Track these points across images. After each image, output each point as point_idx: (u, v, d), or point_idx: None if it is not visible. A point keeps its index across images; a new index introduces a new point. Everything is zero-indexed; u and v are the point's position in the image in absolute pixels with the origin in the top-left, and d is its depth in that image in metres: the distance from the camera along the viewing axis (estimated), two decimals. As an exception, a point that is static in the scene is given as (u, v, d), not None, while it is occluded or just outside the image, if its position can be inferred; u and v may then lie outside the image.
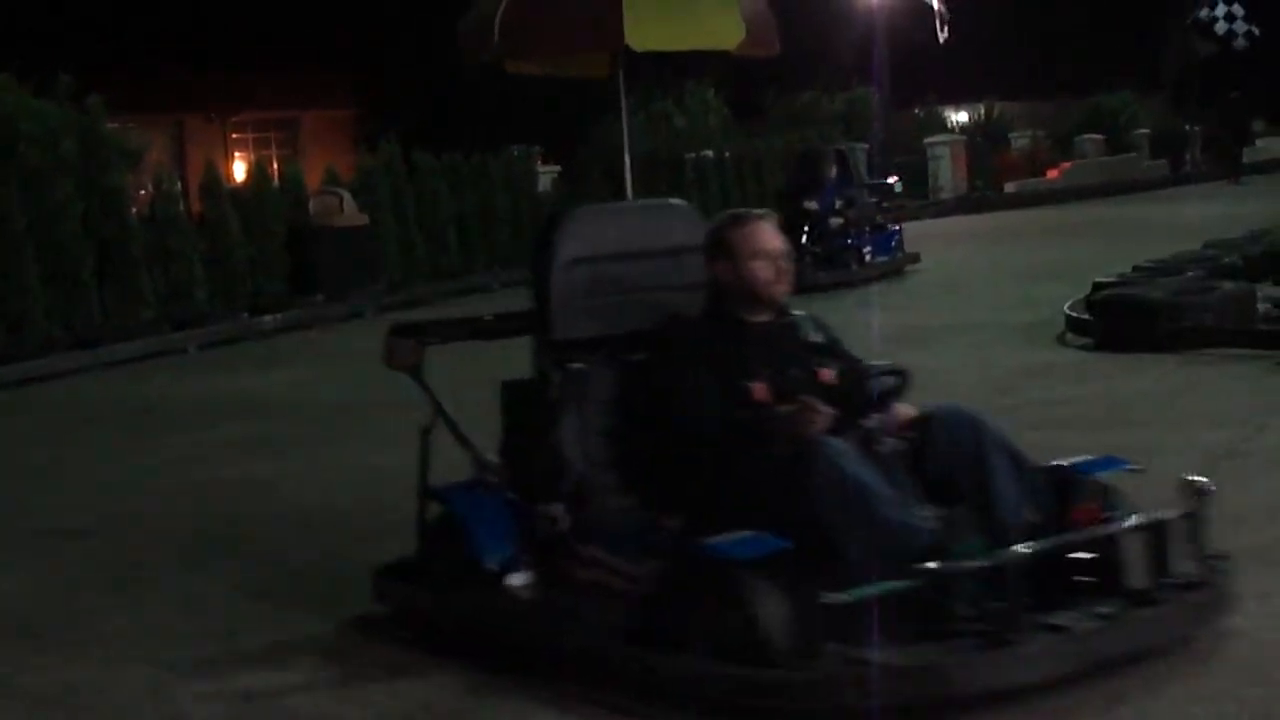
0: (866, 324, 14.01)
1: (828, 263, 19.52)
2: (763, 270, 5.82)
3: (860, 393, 5.74)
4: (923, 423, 5.64)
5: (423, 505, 6.34)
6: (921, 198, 34.47)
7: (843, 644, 4.78)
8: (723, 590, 4.92)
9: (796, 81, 39.44)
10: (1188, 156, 42.87)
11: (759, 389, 5.62)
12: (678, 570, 5.16)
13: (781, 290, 5.90)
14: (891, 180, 23.62)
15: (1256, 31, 43.77)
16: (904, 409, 5.72)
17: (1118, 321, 12.69)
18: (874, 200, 21.60)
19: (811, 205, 20.01)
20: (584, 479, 5.79)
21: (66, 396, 14.71)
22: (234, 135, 38.50)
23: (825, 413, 5.43)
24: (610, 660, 5.29)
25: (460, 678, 5.56)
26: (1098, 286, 13.97)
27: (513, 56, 7.30)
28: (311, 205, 21.03)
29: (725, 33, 7.13)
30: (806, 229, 19.50)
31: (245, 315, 19.10)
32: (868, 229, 20.47)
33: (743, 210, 6.14)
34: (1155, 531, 5.18)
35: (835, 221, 20.14)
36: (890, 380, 5.81)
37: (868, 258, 20.04)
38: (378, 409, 12.03)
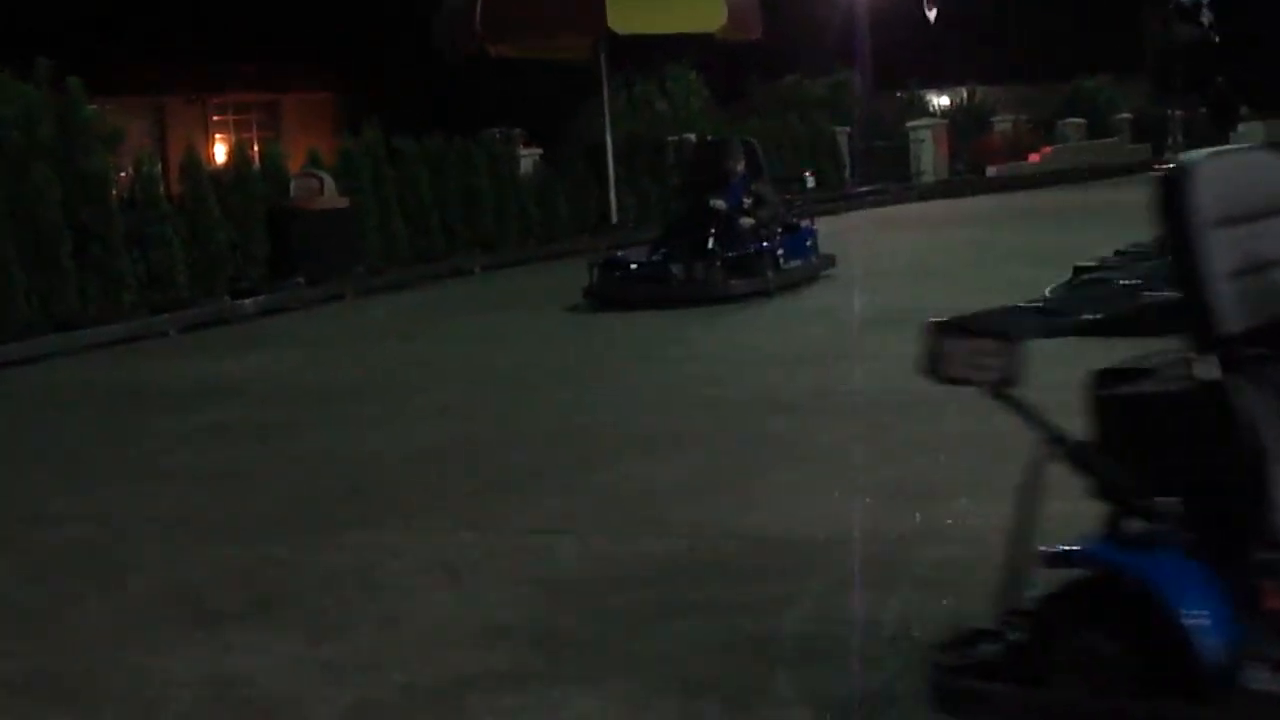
0: (829, 308, 14.06)
1: (740, 269, 17.24)
2: None
3: None
4: None
5: (1020, 571, 4.55)
6: (904, 181, 34.47)
7: None
8: None
9: (779, 66, 39.39)
10: (1169, 141, 42.92)
11: None
12: None
13: None
14: (807, 176, 21.29)
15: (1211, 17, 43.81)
16: None
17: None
18: (788, 197, 19.70)
19: (719, 204, 17.79)
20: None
21: (46, 380, 14.66)
22: (215, 117, 38.39)
23: None
24: None
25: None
26: (1079, 270, 13.98)
27: (494, 42, 7.29)
28: (292, 188, 20.96)
29: (707, 16, 7.12)
30: (714, 231, 17.47)
31: (226, 298, 19.04)
32: (780, 230, 18.27)
33: None
34: None
35: (745, 222, 17.85)
36: None
37: (782, 262, 17.80)
38: (359, 394, 12.05)
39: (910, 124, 36.76)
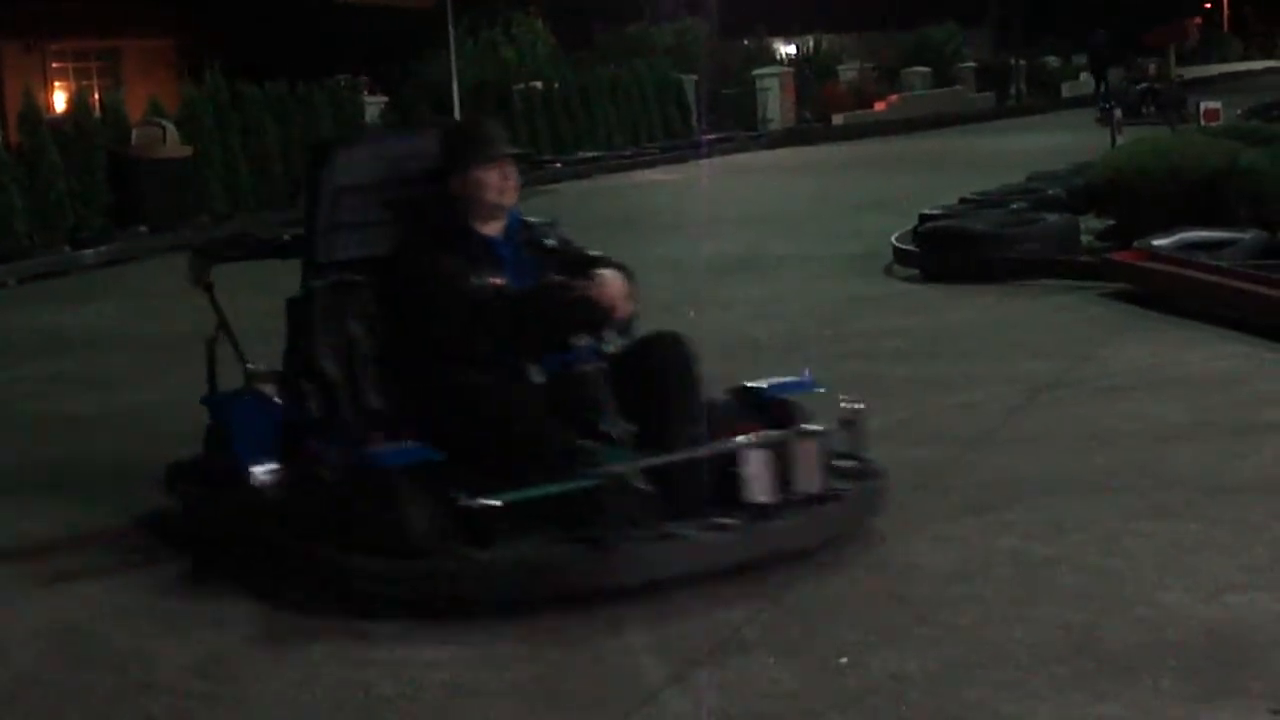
0: (678, 258, 14.07)
1: None
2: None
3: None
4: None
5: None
6: (751, 130, 34.58)
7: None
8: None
9: (625, 12, 39.36)
10: (1013, 89, 43.40)
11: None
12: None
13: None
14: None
15: None
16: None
17: (943, 253, 12.84)
18: None
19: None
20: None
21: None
22: (54, 64, 37.65)
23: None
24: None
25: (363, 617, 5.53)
26: (924, 219, 14.11)
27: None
28: (134, 136, 20.68)
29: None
30: None
31: (66, 248, 18.75)
32: None
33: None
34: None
35: None
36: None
37: None
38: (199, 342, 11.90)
39: (757, 72, 36.85)
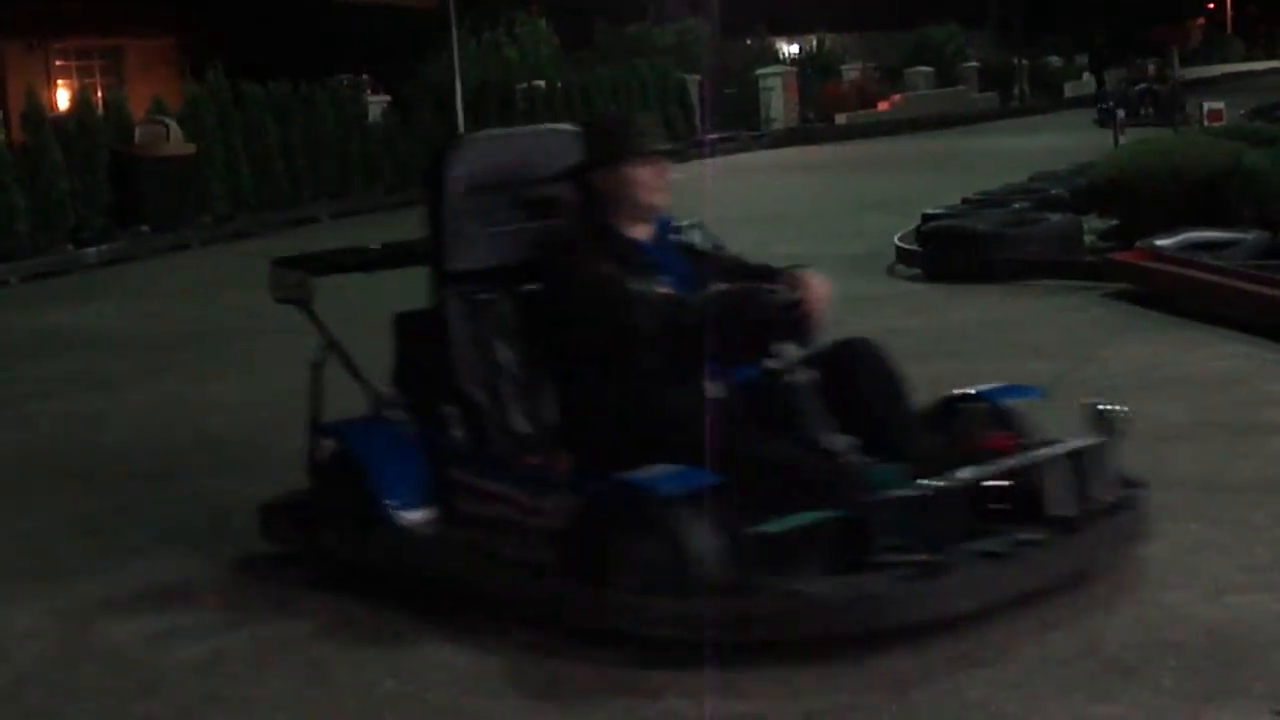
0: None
1: None
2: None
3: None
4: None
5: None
6: (754, 129, 34.58)
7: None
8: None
9: (627, 13, 39.33)
10: (1016, 89, 43.38)
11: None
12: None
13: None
14: None
15: None
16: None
17: (946, 253, 12.83)
18: None
19: None
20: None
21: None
22: (57, 63, 37.66)
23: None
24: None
25: (370, 616, 5.50)
26: (926, 218, 14.11)
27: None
28: (136, 135, 20.67)
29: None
30: None
31: (69, 247, 18.75)
32: None
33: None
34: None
35: None
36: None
37: None
38: (204, 344, 11.92)
39: (760, 71, 36.84)
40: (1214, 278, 10.45)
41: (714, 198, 20.55)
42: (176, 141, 20.75)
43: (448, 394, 5.76)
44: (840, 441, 5.20)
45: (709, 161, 28.20)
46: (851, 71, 40.66)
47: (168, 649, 5.37)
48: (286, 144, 22.80)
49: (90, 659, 5.34)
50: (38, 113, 19.71)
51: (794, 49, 44.28)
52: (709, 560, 4.78)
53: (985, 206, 14.83)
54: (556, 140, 6.12)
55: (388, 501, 5.67)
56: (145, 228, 19.80)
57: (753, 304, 5.33)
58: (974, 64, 43.89)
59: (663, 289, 5.46)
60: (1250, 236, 11.39)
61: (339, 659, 5.16)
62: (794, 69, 38.70)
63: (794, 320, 5.35)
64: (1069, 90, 44.69)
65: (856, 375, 5.46)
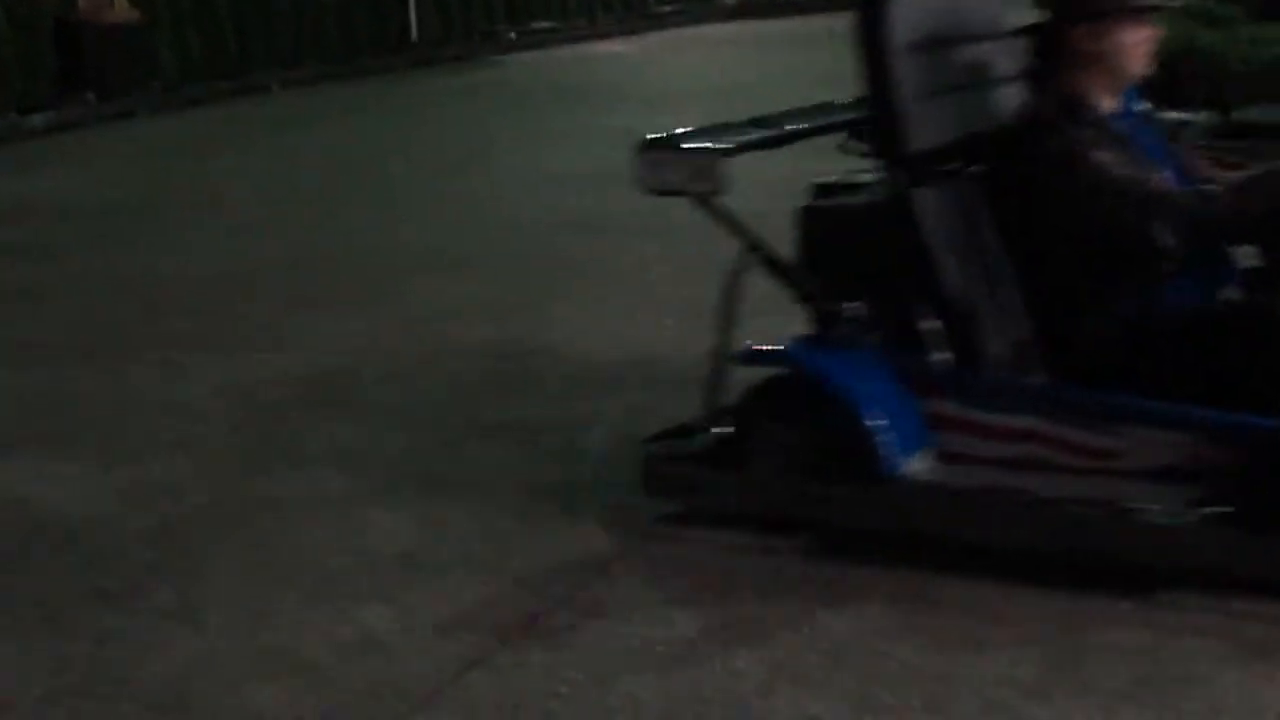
0: (633, 129, 13.91)
1: None
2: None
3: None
4: None
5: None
6: (705, 2, 34.27)
7: None
8: None
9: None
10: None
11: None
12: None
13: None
14: None
15: None
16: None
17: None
18: None
19: None
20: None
21: None
22: (-1, -74, 37.24)
23: None
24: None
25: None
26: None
27: None
28: (81, 0, 20.39)
29: None
30: None
31: (12, 114, 18.52)
32: None
33: None
34: None
35: None
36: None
37: None
38: (152, 214, 11.81)
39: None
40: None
41: (668, 72, 20.45)
42: (121, 7, 20.47)
43: (936, 303, 4.78)
44: None
45: (660, 34, 28.04)
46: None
47: (117, 520, 5.33)
48: (236, 11, 22.50)
49: (38, 533, 5.31)
50: (-20, -23, 19.40)
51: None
52: None
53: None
54: None
55: (880, 444, 4.66)
56: (91, 95, 19.57)
57: None
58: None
59: (1164, 181, 4.76)
60: (1201, 117, 11.37)
61: (287, 531, 5.13)
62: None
63: None
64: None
65: None
